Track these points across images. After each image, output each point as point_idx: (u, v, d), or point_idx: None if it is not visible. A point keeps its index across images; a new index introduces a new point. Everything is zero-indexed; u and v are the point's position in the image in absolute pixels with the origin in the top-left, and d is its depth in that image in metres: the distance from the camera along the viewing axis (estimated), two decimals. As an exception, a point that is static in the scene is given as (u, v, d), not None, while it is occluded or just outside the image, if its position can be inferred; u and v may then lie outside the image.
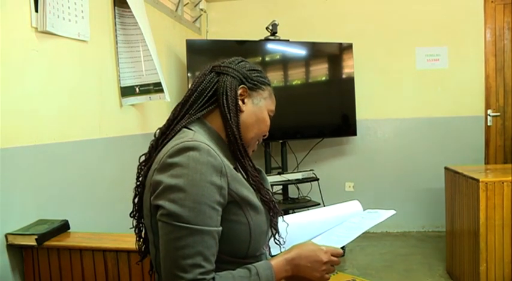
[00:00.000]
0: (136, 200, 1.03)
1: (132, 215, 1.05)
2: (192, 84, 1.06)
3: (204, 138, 0.96)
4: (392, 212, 1.17)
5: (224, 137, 1.02)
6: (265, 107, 1.08)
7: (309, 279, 0.96)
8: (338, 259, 0.99)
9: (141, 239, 1.07)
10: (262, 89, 1.08)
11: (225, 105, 1.00)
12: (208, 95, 1.01)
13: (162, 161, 0.90)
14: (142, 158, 1.04)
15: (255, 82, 1.06)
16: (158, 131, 1.04)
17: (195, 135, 0.95)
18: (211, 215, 0.87)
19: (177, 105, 1.04)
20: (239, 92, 1.03)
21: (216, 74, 1.03)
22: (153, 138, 1.04)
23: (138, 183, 1.03)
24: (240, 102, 1.03)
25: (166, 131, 1.01)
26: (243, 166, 1.00)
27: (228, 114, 0.99)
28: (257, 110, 1.06)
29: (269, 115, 1.10)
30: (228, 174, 0.91)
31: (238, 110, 1.01)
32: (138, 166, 1.04)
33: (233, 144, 1.00)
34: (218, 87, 1.01)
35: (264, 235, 0.99)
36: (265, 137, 1.12)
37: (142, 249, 1.07)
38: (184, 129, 0.99)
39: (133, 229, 1.06)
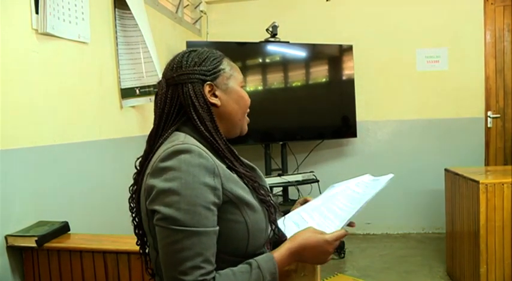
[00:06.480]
0: (134, 211, 1.04)
1: (135, 230, 1.05)
2: (155, 107, 1.01)
3: (194, 140, 0.96)
4: (391, 175, 1.14)
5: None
6: (236, 84, 1.05)
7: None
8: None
9: (143, 245, 1.07)
10: (223, 70, 1.03)
11: (196, 118, 0.97)
12: (175, 112, 0.98)
13: (155, 166, 0.90)
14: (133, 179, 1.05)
15: (213, 70, 1.01)
16: (137, 162, 1.03)
17: (186, 138, 0.95)
18: (207, 216, 0.87)
19: (150, 134, 1.02)
20: (206, 91, 0.99)
21: (174, 87, 0.99)
22: (136, 159, 1.04)
23: (132, 195, 1.04)
24: (213, 99, 1.00)
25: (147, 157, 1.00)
26: (234, 169, 0.99)
27: (201, 127, 0.97)
28: (230, 93, 1.03)
29: (242, 87, 1.06)
30: (221, 174, 0.91)
31: (212, 115, 0.98)
32: (130, 187, 1.05)
33: (218, 151, 0.98)
34: (181, 101, 0.97)
35: (262, 232, 0.99)
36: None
37: (147, 252, 1.07)
38: (175, 132, 0.98)
39: (135, 234, 1.06)
